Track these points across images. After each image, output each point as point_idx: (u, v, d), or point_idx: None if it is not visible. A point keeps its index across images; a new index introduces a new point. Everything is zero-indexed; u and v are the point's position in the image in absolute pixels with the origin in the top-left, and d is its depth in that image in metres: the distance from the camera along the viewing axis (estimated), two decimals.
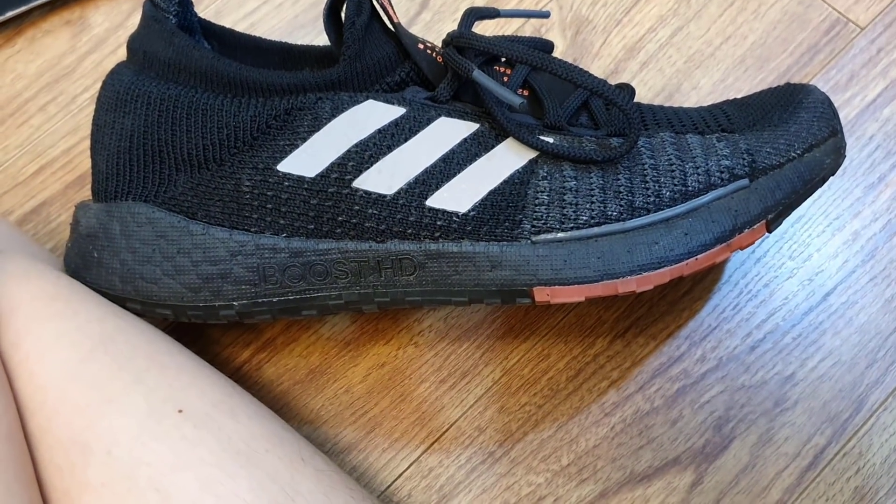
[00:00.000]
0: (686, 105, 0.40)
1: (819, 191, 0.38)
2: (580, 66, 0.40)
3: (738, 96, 0.39)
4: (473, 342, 0.36)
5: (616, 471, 0.34)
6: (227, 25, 0.43)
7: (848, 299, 0.36)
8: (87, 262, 0.31)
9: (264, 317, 0.31)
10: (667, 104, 0.40)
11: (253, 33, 0.43)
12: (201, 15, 0.43)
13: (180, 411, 0.25)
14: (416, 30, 0.42)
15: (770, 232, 0.30)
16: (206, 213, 0.30)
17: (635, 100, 0.40)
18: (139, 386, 0.26)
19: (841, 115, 0.39)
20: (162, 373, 0.26)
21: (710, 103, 0.39)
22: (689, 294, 0.36)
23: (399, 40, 0.30)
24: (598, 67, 0.41)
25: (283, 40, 0.37)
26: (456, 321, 0.37)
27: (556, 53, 0.41)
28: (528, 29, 0.42)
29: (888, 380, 0.35)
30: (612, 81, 0.40)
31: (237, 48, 0.35)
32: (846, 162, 0.38)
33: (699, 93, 0.40)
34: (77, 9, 0.44)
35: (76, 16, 0.44)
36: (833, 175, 0.31)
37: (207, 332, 0.37)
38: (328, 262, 0.30)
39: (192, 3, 0.32)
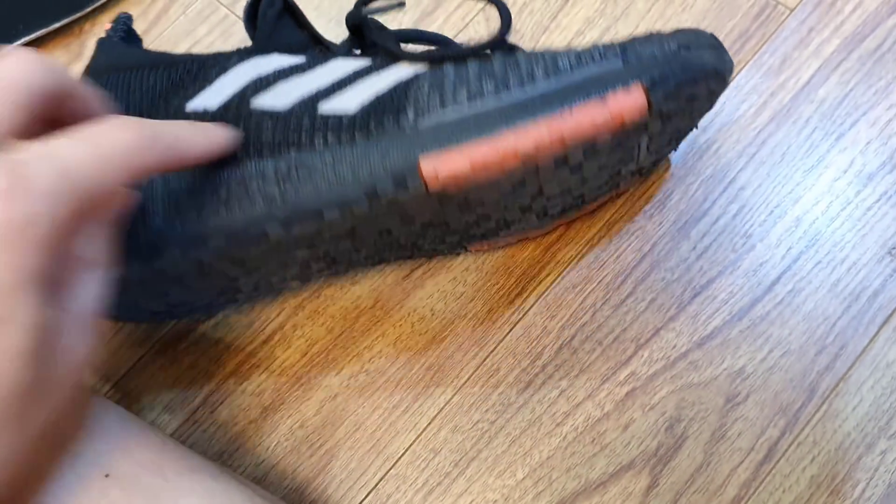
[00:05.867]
0: None
1: (759, 178, 0.38)
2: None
3: None
4: (423, 364, 0.37)
5: (571, 480, 0.34)
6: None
7: (794, 287, 0.36)
8: None
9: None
10: None
11: None
12: (154, 44, 0.46)
13: (107, 476, 0.26)
14: None
15: (650, 104, 0.29)
16: None
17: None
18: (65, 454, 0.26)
19: (776, 100, 0.39)
20: (88, 437, 0.27)
21: None
22: (631, 295, 0.36)
23: (312, 31, 0.35)
24: None
25: None
26: (405, 343, 0.37)
27: None
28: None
29: (838, 365, 0.35)
30: None
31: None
32: (784, 147, 0.38)
33: None
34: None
35: None
36: (721, 72, 0.31)
37: (160, 378, 0.38)
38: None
39: (136, 33, 0.37)
